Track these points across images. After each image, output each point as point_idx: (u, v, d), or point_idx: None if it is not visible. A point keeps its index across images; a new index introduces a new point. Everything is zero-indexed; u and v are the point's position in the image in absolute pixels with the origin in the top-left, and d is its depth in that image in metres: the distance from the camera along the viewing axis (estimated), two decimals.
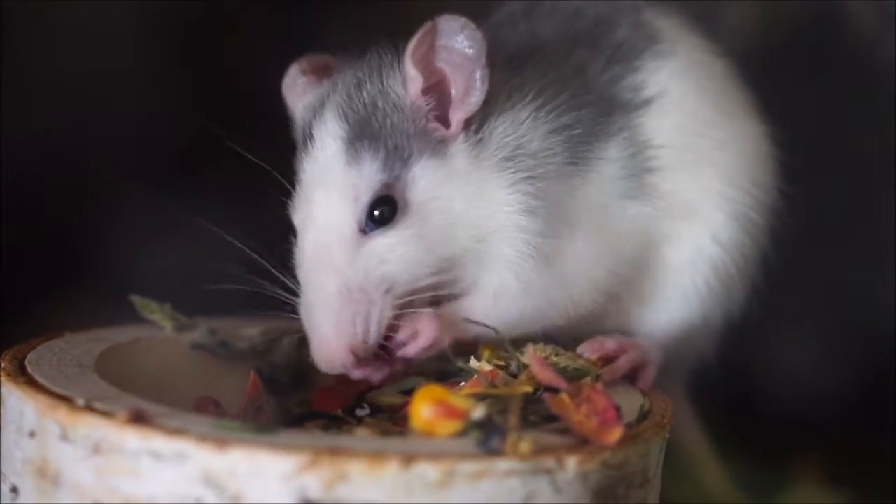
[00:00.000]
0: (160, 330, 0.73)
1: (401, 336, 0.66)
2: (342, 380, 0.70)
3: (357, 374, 0.67)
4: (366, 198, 0.66)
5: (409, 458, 0.54)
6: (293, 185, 0.69)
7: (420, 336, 0.66)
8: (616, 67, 0.73)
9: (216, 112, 0.97)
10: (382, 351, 0.67)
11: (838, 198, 0.93)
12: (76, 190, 0.98)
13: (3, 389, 0.62)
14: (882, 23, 0.95)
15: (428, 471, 0.54)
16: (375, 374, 0.67)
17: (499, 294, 0.69)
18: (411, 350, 0.66)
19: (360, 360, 0.66)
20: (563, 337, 0.71)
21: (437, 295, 0.68)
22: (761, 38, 0.97)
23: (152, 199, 0.97)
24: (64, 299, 0.96)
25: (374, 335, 0.66)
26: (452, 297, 0.69)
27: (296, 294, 0.68)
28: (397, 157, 0.66)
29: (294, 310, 0.68)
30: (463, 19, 0.66)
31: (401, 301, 0.66)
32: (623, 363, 0.71)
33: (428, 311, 0.67)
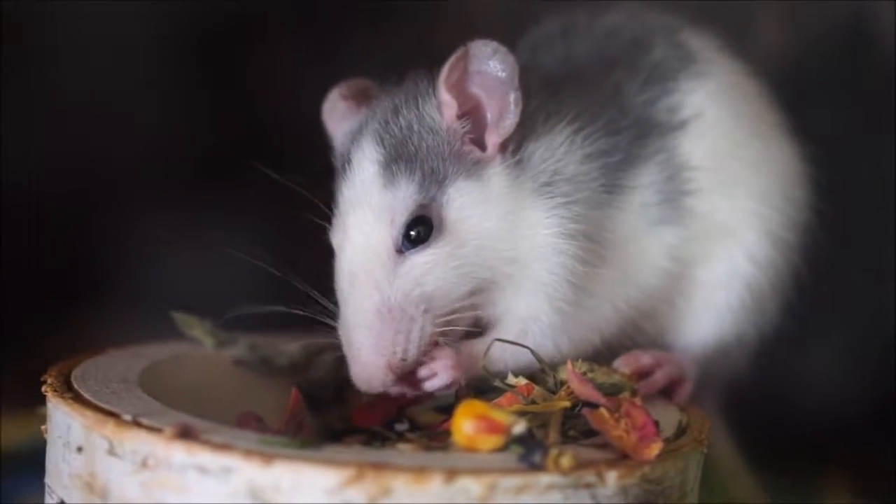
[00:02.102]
0: (200, 346, 0.74)
1: (421, 373, 0.67)
2: (382, 396, 0.70)
3: (395, 390, 0.68)
4: (402, 219, 0.67)
5: (452, 473, 0.55)
6: (310, 194, 0.69)
7: (437, 377, 0.67)
8: (652, 89, 0.74)
9: (235, 121, 0.99)
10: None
11: (868, 212, 0.94)
12: (98, 204, 0.99)
13: (50, 405, 0.63)
14: None
15: (470, 485, 0.55)
16: (411, 392, 0.68)
17: (529, 323, 0.69)
18: (428, 387, 0.67)
19: (399, 378, 0.67)
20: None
21: (476, 316, 0.69)
22: (794, 57, 0.97)
23: (174, 212, 0.98)
24: (89, 313, 0.98)
25: (413, 353, 0.66)
26: (490, 321, 0.70)
27: (322, 307, 0.69)
28: (433, 179, 0.67)
29: (320, 323, 0.69)
30: (494, 43, 0.67)
31: (442, 320, 0.67)
32: (660, 377, 0.72)
33: (447, 349, 0.67)
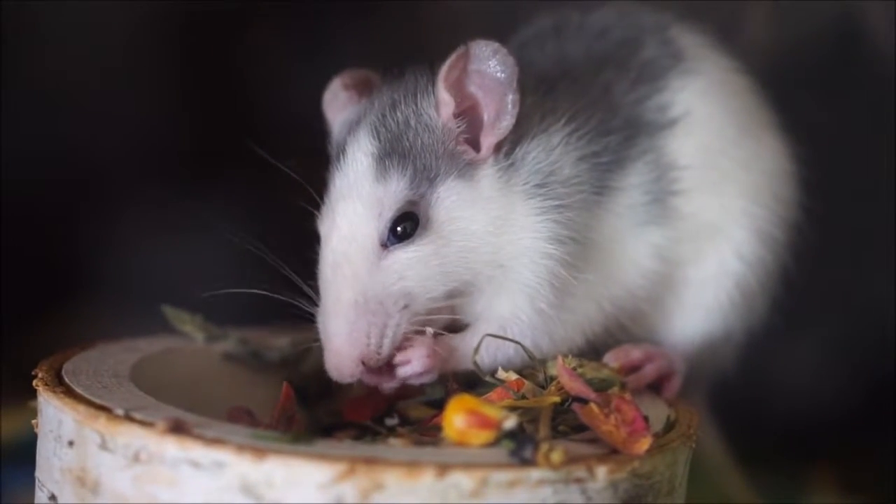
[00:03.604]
0: (191, 340, 0.75)
1: (397, 358, 0.67)
2: (372, 390, 0.70)
3: (369, 380, 0.68)
4: (389, 213, 0.67)
5: (443, 468, 0.55)
6: (301, 179, 0.70)
7: (410, 364, 0.67)
8: (642, 87, 0.74)
9: (224, 114, 0.99)
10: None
11: (857, 209, 0.94)
12: (89, 198, 0.99)
13: (42, 399, 0.63)
14: None
15: (462, 480, 0.55)
16: (386, 384, 0.68)
17: (509, 322, 0.70)
18: (401, 373, 0.68)
19: (371, 370, 0.67)
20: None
21: (454, 318, 0.69)
22: (782, 54, 0.98)
23: (164, 205, 0.98)
24: (78, 307, 0.98)
25: (386, 348, 0.67)
26: (470, 318, 0.70)
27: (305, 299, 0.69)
28: (424, 176, 0.67)
29: (303, 310, 0.69)
30: (495, 44, 0.67)
31: (418, 319, 0.67)
32: (649, 371, 0.73)
33: (425, 338, 0.68)
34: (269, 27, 1.06)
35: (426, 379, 0.68)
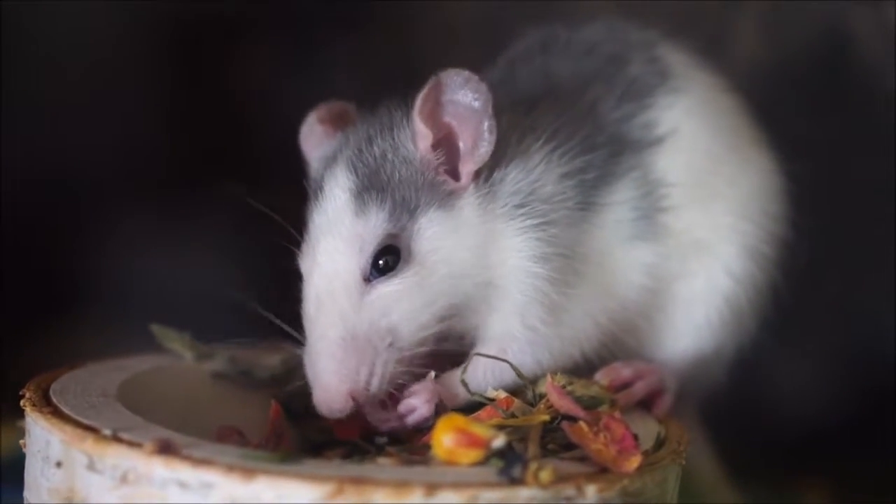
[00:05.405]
0: (180, 359, 0.74)
1: (402, 407, 0.67)
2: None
3: (375, 420, 0.68)
4: (370, 248, 0.67)
5: (432, 487, 0.55)
6: (281, 219, 0.70)
7: (415, 413, 0.67)
8: (628, 105, 0.74)
9: (218, 130, 0.99)
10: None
11: (846, 221, 0.94)
12: (80, 213, 0.99)
13: (29, 419, 0.63)
14: (889, 53, 0.96)
15: (451, 499, 0.55)
16: (387, 424, 0.68)
17: (506, 342, 0.70)
18: (410, 421, 0.67)
19: (364, 405, 0.67)
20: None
21: (443, 350, 0.69)
22: (771, 67, 0.98)
23: (156, 222, 0.98)
24: (69, 324, 0.98)
25: (376, 385, 0.67)
26: (460, 351, 0.70)
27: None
28: (404, 208, 0.67)
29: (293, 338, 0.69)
30: (466, 72, 0.67)
31: (407, 354, 0.67)
32: (640, 388, 0.72)
33: (426, 383, 0.67)
34: (261, 41, 1.06)
35: (431, 422, 0.67)
